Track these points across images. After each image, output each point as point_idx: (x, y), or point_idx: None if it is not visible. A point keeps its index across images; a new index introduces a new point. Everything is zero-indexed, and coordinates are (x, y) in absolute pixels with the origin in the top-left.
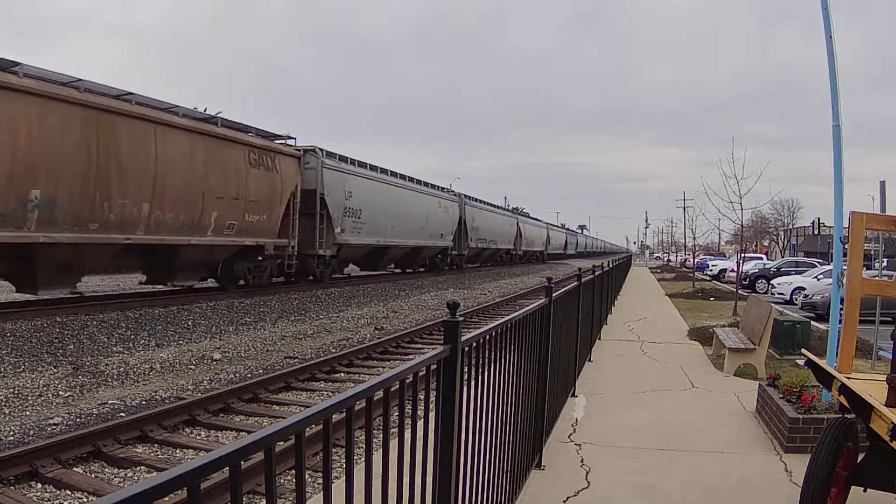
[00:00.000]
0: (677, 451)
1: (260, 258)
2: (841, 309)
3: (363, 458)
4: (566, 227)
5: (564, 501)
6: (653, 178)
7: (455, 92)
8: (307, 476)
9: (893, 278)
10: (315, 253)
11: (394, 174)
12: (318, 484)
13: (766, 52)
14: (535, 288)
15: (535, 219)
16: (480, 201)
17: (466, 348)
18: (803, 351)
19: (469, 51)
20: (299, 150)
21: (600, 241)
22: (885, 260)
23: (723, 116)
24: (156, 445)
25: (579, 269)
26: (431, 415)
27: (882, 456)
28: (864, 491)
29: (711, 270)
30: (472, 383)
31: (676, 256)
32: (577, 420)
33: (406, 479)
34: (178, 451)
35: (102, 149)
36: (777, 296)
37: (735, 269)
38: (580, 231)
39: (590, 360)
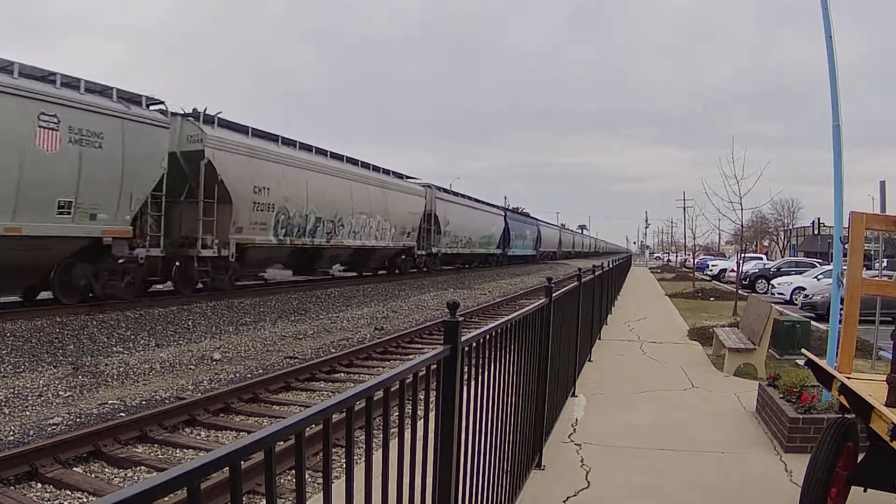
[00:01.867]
0: (677, 451)
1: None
2: (841, 309)
3: (363, 458)
4: (565, 226)
5: (564, 501)
6: (653, 178)
7: (455, 92)
8: (307, 476)
9: (893, 278)
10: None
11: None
12: (318, 484)
13: (766, 52)
14: (535, 288)
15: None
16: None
17: (466, 348)
18: (803, 351)
19: (469, 51)
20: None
21: (602, 242)
22: (885, 260)
23: (723, 116)
24: (156, 445)
25: (579, 269)
26: (431, 415)
27: (882, 456)
28: (864, 491)
29: (711, 270)
30: (472, 383)
31: (676, 256)
32: (577, 420)
33: (406, 479)
34: (178, 451)
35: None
36: (777, 296)
37: (735, 269)
38: (580, 231)
39: (590, 360)
